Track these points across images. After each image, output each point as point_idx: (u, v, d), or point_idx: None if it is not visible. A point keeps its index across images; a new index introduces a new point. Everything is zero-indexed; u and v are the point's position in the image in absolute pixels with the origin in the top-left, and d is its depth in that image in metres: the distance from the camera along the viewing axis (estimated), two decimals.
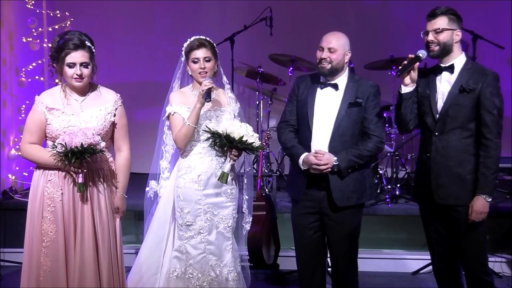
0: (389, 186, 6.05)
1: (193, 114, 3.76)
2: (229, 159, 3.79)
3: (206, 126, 3.81)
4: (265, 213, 4.97)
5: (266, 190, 5.99)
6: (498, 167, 3.68)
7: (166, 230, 3.91)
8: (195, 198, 3.83)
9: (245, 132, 3.75)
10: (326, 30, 3.98)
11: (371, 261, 5.53)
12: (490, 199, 3.66)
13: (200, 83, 3.82)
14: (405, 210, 5.74)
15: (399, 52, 6.43)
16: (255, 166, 6.40)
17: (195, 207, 3.83)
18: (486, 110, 3.63)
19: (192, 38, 3.89)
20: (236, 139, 3.73)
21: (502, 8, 6.63)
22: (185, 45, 3.90)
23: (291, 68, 6.43)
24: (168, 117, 3.87)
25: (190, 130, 3.77)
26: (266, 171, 6.25)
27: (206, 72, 3.83)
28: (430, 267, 5.46)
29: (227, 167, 3.80)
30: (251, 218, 4.13)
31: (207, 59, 3.84)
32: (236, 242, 4.03)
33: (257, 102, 6.53)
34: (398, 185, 6.07)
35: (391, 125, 6.19)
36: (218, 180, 3.82)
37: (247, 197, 4.09)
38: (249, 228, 4.13)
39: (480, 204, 3.65)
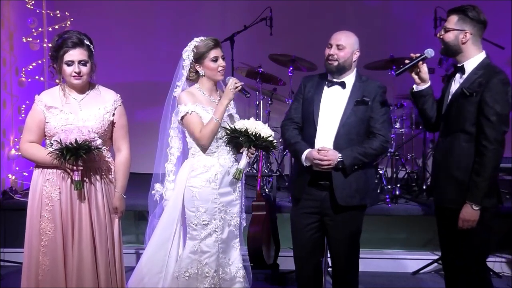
0: (389, 186, 6.06)
1: (220, 111, 3.79)
2: (246, 156, 3.83)
3: (228, 124, 3.84)
4: (265, 213, 4.96)
5: (266, 190, 5.99)
6: (491, 175, 3.50)
7: (172, 230, 3.89)
8: (212, 197, 3.84)
9: (269, 132, 3.83)
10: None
11: (371, 261, 5.53)
12: (477, 208, 3.51)
13: (214, 81, 3.89)
14: (405, 210, 5.75)
15: (399, 52, 6.43)
16: (255, 166, 6.41)
17: (212, 206, 3.84)
18: (484, 116, 3.49)
19: (204, 38, 3.87)
20: (264, 137, 3.80)
21: (502, 8, 6.63)
22: (195, 44, 3.86)
23: (291, 68, 6.44)
24: (182, 117, 3.83)
25: (217, 126, 3.80)
26: (266, 171, 6.25)
27: (224, 70, 3.87)
28: (430, 267, 5.50)
29: (243, 163, 3.84)
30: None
31: (223, 57, 3.88)
32: None
33: (257, 102, 6.54)
34: (398, 185, 6.08)
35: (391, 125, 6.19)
36: (233, 177, 3.85)
37: (244, 194, 4.10)
38: (245, 223, 4.14)
39: (466, 212, 3.54)
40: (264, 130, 3.82)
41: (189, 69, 3.90)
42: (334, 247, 3.94)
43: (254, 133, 3.79)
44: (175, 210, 3.89)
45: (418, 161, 6.74)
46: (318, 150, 3.76)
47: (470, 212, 3.55)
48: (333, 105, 3.85)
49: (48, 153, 3.53)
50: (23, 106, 6.14)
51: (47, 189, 3.63)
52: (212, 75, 3.88)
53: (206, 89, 3.90)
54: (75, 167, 3.54)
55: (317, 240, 3.95)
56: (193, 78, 3.92)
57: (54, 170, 3.64)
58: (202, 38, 3.89)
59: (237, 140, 3.82)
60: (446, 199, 3.67)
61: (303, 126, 3.94)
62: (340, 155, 3.75)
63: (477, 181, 3.52)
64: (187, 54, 3.88)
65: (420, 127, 6.42)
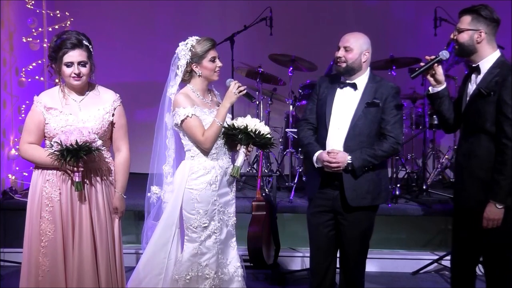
0: (389, 186, 6.05)
1: (223, 113, 3.79)
2: (243, 153, 3.84)
3: (226, 123, 3.83)
4: (265, 213, 4.96)
5: (266, 190, 5.99)
6: None
7: (172, 232, 3.88)
8: (212, 199, 3.84)
9: (268, 129, 3.86)
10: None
11: (371, 261, 5.51)
12: (501, 206, 3.50)
13: (209, 82, 3.88)
14: (405, 210, 5.75)
15: (399, 52, 6.44)
16: (255, 166, 6.41)
17: (212, 208, 3.84)
18: (502, 115, 3.47)
19: (200, 38, 3.84)
20: (263, 134, 3.82)
21: (502, 8, 6.61)
22: (193, 44, 3.82)
23: (291, 68, 6.45)
24: (182, 121, 3.78)
25: (220, 129, 3.80)
26: (266, 171, 6.25)
27: (220, 70, 3.87)
28: (430, 267, 5.49)
29: (240, 161, 3.84)
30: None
31: (219, 57, 3.88)
32: None
33: (257, 102, 6.54)
34: (398, 185, 6.07)
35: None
36: (232, 175, 3.86)
37: (234, 189, 4.11)
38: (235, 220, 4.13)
39: (490, 211, 3.53)
40: (262, 127, 3.84)
41: (184, 69, 3.86)
42: (345, 246, 3.94)
43: (254, 130, 3.80)
44: (174, 212, 3.88)
45: (418, 161, 6.73)
46: (328, 152, 3.78)
47: (493, 211, 3.53)
48: (345, 106, 3.86)
49: (48, 155, 3.52)
50: (23, 106, 6.14)
51: (47, 190, 3.63)
52: (210, 75, 3.86)
53: (200, 90, 3.88)
54: (75, 168, 3.54)
55: (332, 238, 3.96)
56: (187, 78, 3.88)
57: (54, 171, 3.63)
58: (197, 38, 3.85)
59: (235, 138, 3.82)
60: (471, 200, 3.64)
61: (317, 127, 3.96)
62: (349, 157, 3.76)
63: (498, 179, 3.50)
64: (183, 54, 3.83)
65: (420, 127, 6.42)
